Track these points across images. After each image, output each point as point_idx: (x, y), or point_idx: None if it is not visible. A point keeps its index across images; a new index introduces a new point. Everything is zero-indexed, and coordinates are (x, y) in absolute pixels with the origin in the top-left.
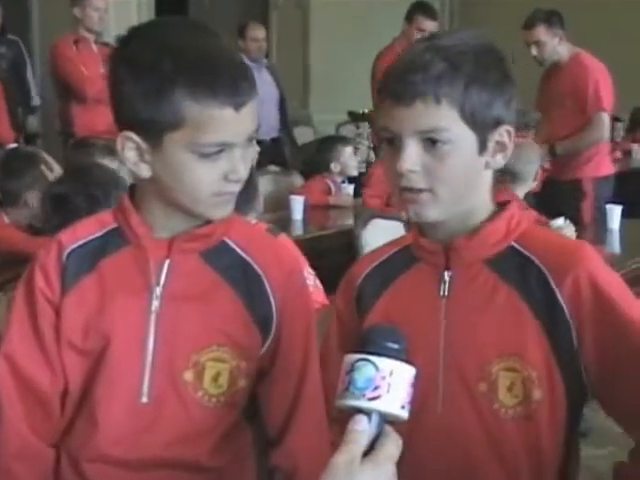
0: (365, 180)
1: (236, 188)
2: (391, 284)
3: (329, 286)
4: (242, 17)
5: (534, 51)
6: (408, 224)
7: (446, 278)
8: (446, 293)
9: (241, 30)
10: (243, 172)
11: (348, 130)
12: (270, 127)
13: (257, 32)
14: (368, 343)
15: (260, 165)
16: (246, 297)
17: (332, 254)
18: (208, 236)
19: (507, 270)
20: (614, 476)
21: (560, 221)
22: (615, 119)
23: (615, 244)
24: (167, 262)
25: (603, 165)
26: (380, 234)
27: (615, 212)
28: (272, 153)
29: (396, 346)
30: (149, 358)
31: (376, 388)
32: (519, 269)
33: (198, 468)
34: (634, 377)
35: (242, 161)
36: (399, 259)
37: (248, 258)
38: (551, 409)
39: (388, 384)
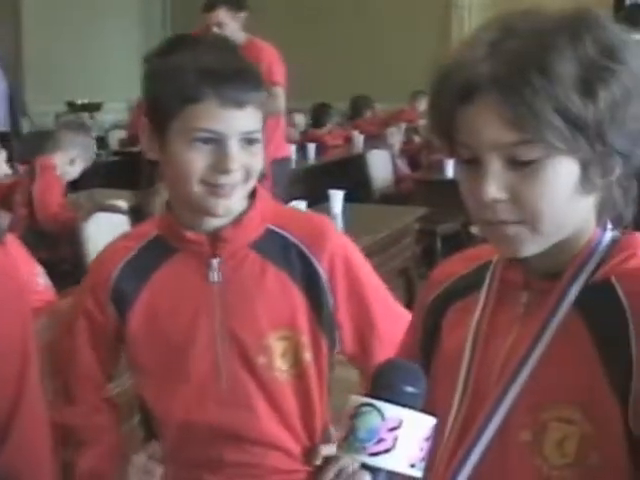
0: None
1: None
2: (149, 278)
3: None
4: None
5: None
6: (133, 217)
7: (215, 265)
8: (217, 279)
9: None
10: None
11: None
12: None
13: None
14: (376, 384)
15: None
16: None
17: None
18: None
19: (270, 250)
20: None
21: (300, 204)
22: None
23: (339, 228)
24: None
25: (282, 147)
26: (104, 228)
27: (338, 197)
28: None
29: (411, 389)
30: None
31: (380, 441)
32: (280, 248)
33: None
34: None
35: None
36: (152, 252)
37: None
38: (317, 367)
39: (395, 437)
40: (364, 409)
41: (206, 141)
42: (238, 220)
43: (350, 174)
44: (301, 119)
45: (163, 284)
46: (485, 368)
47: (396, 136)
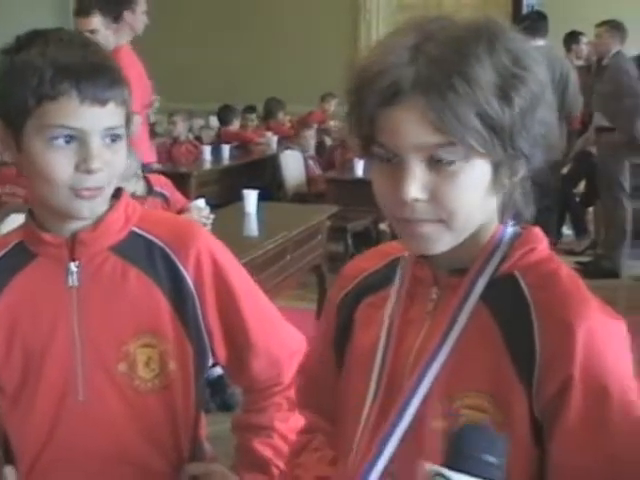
0: None
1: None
2: (8, 283)
3: None
4: None
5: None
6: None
7: (73, 269)
8: (75, 283)
9: None
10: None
11: None
12: None
13: None
14: (452, 452)
15: None
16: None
17: None
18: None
19: (133, 254)
20: None
21: (201, 202)
22: (250, 109)
23: (253, 227)
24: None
25: (147, 154)
26: None
27: (251, 197)
28: None
29: (491, 459)
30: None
31: None
32: (145, 251)
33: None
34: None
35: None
36: (12, 258)
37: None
38: (184, 377)
39: None
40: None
41: (67, 140)
42: (98, 222)
43: (264, 174)
44: (216, 121)
45: (22, 290)
46: (398, 361)
47: (308, 137)
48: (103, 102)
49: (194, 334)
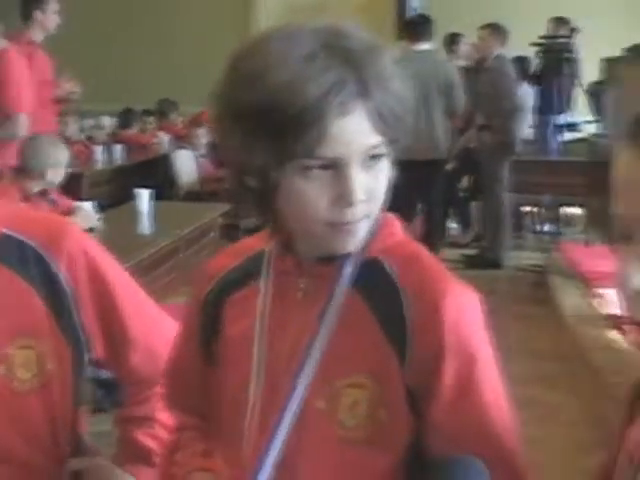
0: None
1: None
2: None
3: None
4: None
5: None
6: None
7: None
8: None
9: None
10: None
11: None
12: None
13: None
14: None
15: None
16: None
17: None
18: None
19: (5, 255)
20: None
21: (87, 205)
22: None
23: (145, 225)
24: None
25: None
26: None
27: (144, 196)
28: None
29: None
30: None
31: None
32: (16, 252)
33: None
34: None
35: None
36: None
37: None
38: (62, 376)
39: None
40: None
41: None
42: None
43: (157, 174)
44: (107, 121)
45: None
46: (276, 352)
47: (200, 136)
48: None
49: (71, 333)
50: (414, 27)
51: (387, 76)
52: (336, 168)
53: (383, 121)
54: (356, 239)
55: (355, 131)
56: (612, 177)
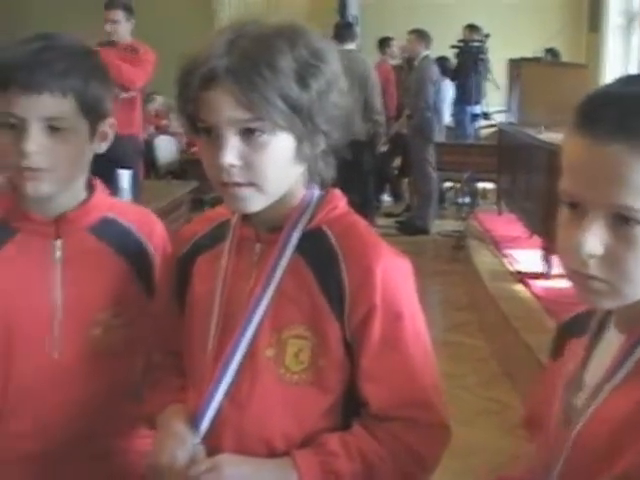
0: None
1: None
2: None
3: None
4: None
5: None
6: None
7: (57, 246)
8: (57, 259)
9: None
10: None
11: None
12: None
13: None
14: None
15: None
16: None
17: None
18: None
19: (106, 235)
20: None
21: None
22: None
23: (126, 199)
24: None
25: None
26: None
27: (125, 176)
28: None
29: None
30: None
31: None
32: (116, 233)
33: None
34: None
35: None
36: None
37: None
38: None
39: None
40: None
41: (10, 125)
42: (79, 207)
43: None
44: None
45: (3, 264)
46: (232, 304)
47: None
48: (38, 90)
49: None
50: (338, 30)
51: (266, 64)
52: (212, 133)
53: (249, 99)
54: (248, 204)
55: (221, 102)
56: (561, 158)
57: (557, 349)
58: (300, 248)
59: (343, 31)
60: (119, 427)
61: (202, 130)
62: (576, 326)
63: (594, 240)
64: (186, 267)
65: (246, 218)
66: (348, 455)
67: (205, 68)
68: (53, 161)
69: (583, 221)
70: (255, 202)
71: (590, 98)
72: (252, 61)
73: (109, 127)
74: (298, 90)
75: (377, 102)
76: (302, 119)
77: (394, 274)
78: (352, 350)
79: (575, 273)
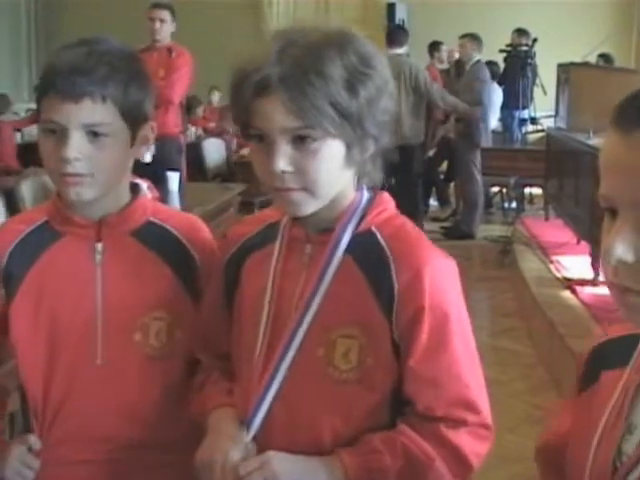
0: None
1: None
2: (36, 260)
3: None
4: None
5: None
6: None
7: (99, 249)
8: (100, 262)
9: None
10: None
11: None
12: None
13: None
14: None
15: None
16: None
17: None
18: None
19: (149, 239)
20: None
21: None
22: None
23: (175, 202)
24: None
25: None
26: None
27: (174, 178)
28: None
29: None
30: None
31: None
32: (159, 237)
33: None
34: None
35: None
36: (39, 235)
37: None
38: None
39: None
40: None
41: (52, 131)
42: (122, 210)
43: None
44: None
45: (49, 266)
46: (283, 304)
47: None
48: (78, 98)
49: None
50: (391, 35)
51: (316, 72)
52: (265, 140)
53: (300, 108)
54: (300, 208)
55: (273, 110)
56: (599, 161)
57: (588, 378)
58: (350, 249)
59: (393, 36)
60: (179, 434)
61: (255, 136)
62: (611, 356)
63: (623, 245)
64: (236, 267)
65: (296, 219)
66: (392, 452)
67: (257, 77)
68: (94, 167)
69: (614, 226)
70: (307, 206)
71: (626, 96)
72: (302, 69)
73: (150, 131)
74: (348, 97)
75: (443, 96)
76: (352, 125)
77: (442, 275)
78: (400, 350)
79: (612, 285)
